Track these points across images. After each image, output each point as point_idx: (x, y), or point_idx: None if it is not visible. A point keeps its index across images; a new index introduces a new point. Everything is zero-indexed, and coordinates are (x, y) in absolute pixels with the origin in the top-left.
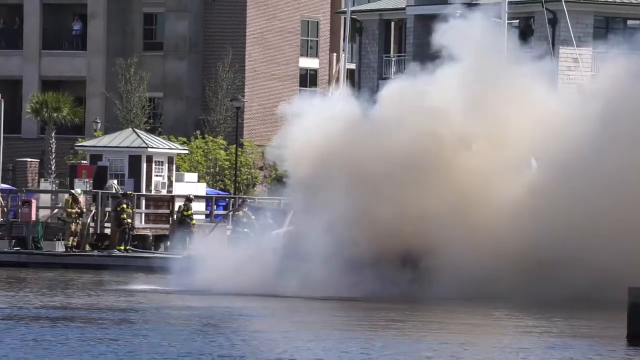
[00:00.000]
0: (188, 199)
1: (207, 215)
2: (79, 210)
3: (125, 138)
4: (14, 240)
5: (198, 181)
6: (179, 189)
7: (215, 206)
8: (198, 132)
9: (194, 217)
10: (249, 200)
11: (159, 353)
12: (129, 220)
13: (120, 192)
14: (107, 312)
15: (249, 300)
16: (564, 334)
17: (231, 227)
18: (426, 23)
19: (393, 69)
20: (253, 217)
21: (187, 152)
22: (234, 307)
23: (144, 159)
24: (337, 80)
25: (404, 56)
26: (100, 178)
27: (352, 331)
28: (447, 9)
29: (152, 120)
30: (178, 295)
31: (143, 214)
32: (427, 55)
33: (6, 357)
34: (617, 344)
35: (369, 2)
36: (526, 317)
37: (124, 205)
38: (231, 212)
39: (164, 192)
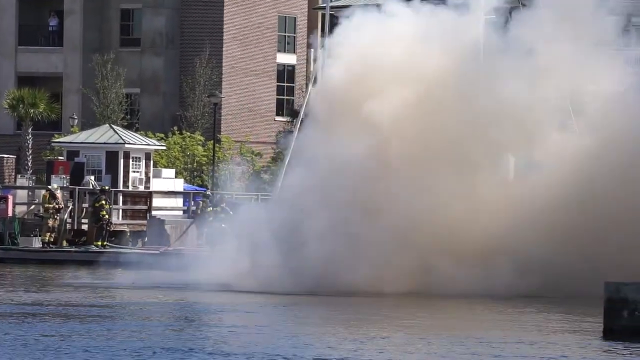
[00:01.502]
0: (102, 191)
1: (184, 211)
2: (56, 206)
3: (102, 134)
4: None
5: (176, 177)
6: (156, 185)
7: (192, 202)
8: (175, 128)
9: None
10: (227, 196)
11: (132, 348)
12: (107, 216)
13: (98, 188)
14: (83, 308)
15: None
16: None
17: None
18: None
19: None
20: (231, 212)
21: (164, 148)
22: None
23: (121, 155)
24: (315, 76)
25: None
26: (77, 174)
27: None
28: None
29: (129, 117)
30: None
31: (120, 210)
32: None
33: None
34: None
35: None
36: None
37: (103, 202)
38: (208, 208)
39: (141, 188)
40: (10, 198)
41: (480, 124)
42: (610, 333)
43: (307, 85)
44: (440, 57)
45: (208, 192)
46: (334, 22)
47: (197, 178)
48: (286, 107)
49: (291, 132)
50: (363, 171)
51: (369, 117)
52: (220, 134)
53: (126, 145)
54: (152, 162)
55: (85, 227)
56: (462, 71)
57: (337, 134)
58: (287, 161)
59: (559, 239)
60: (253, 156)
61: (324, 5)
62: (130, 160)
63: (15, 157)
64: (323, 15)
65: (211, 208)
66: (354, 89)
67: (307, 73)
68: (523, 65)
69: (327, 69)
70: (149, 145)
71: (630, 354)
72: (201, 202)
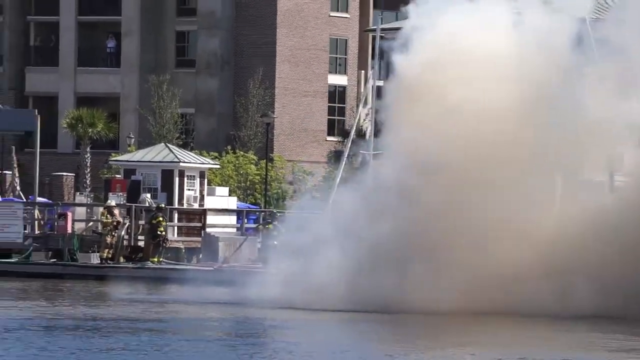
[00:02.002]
0: (158, 208)
1: (237, 229)
2: (114, 223)
3: (158, 153)
4: (50, 252)
5: (229, 195)
6: (210, 202)
7: (245, 220)
8: (229, 147)
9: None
10: (278, 214)
11: None
12: (164, 233)
13: (154, 205)
14: (138, 323)
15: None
16: None
17: (261, 240)
18: None
19: None
20: (283, 230)
21: (218, 166)
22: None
23: (176, 174)
24: (366, 97)
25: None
26: (133, 192)
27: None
28: None
29: (184, 136)
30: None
31: (175, 227)
32: None
33: None
34: None
35: (397, 19)
36: None
37: (160, 219)
38: (261, 225)
39: (195, 205)
40: (70, 215)
41: (566, 136)
42: None
43: (357, 105)
44: (537, 55)
45: (278, 215)
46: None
47: (250, 196)
48: (337, 127)
49: (342, 151)
50: (451, 173)
51: (457, 107)
52: (272, 153)
53: (181, 164)
54: (206, 180)
55: (141, 243)
56: (561, 77)
57: (418, 124)
58: (337, 179)
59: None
60: (305, 175)
61: (375, 27)
62: (185, 178)
63: (74, 175)
64: (374, 38)
65: (267, 225)
66: (438, 75)
67: (357, 94)
68: (612, 73)
69: (403, 55)
70: (203, 164)
71: None
72: (263, 223)
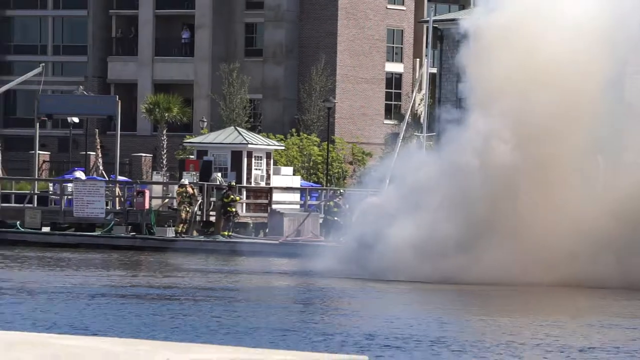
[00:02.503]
0: (229, 187)
1: (301, 205)
2: (188, 200)
3: (228, 135)
4: (130, 227)
5: (293, 174)
6: (276, 181)
7: (308, 197)
8: (294, 130)
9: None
10: (339, 192)
11: (250, 327)
12: (235, 210)
13: (225, 183)
14: (210, 291)
15: None
16: None
17: (322, 215)
18: None
19: None
20: (347, 205)
21: (283, 148)
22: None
23: (244, 154)
24: (420, 84)
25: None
26: (205, 171)
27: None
28: None
29: (252, 120)
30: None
31: (244, 204)
32: None
33: (99, 328)
34: None
35: (449, 11)
36: None
37: (232, 196)
38: (323, 203)
39: (262, 184)
40: (147, 192)
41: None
42: None
43: (412, 91)
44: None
45: (339, 192)
46: (437, 34)
47: (313, 175)
48: (394, 111)
49: (397, 134)
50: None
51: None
52: (334, 135)
53: (249, 146)
54: (272, 160)
55: (213, 218)
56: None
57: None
58: (394, 159)
59: None
60: (364, 155)
61: (428, 19)
62: (253, 159)
63: (151, 155)
64: (427, 28)
65: (331, 202)
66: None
67: (412, 80)
68: None
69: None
70: (269, 145)
71: None
72: (331, 201)
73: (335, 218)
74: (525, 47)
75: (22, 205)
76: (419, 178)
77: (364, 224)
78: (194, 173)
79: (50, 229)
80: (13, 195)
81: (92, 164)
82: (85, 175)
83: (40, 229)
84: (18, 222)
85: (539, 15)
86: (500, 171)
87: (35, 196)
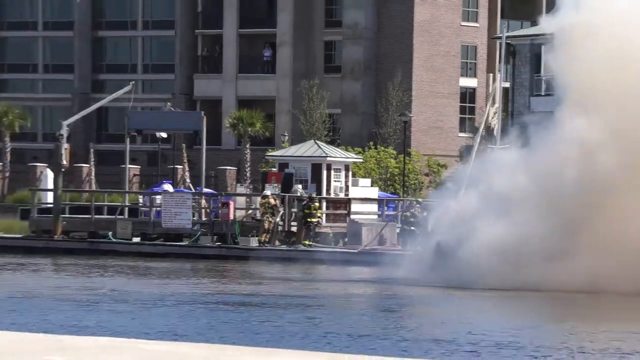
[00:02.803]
0: (310, 198)
1: (379, 215)
2: (270, 211)
3: (308, 149)
4: (215, 237)
5: (371, 186)
6: (354, 192)
7: (386, 207)
8: (371, 143)
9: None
10: (416, 202)
11: (329, 332)
12: (315, 220)
13: (305, 195)
14: (291, 299)
15: None
16: None
17: (399, 225)
18: None
19: (543, 86)
20: (425, 213)
21: (361, 160)
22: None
23: (324, 167)
24: (494, 97)
25: (553, 75)
26: (287, 183)
27: None
28: None
29: (331, 133)
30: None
31: (324, 214)
32: None
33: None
34: None
35: (521, 27)
36: None
37: (312, 207)
38: (400, 213)
39: (341, 195)
40: (232, 204)
41: None
42: None
43: (486, 105)
44: None
45: (416, 203)
46: (510, 50)
47: (390, 187)
48: (468, 124)
49: (472, 146)
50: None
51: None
52: (410, 148)
53: (328, 159)
54: (350, 172)
55: (294, 229)
56: None
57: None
58: (469, 170)
59: None
60: (439, 167)
61: (501, 35)
62: (332, 171)
63: (235, 168)
64: (500, 44)
65: (408, 212)
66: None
67: (486, 94)
68: None
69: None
70: (348, 158)
71: None
72: (408, 211)
73: (412, 228)
74: (616, 50)
75: (113, 216)
76: (506, 184)
77: (440, 232)
78: (276, 185)
79: (140, 239)
80: (105, 207)
81: (179, 177)
82: (173, 188)
83: (131, 240)
84: (110, 233)
85: (627, 16)
86: (595, 178)
87: (126, 208)
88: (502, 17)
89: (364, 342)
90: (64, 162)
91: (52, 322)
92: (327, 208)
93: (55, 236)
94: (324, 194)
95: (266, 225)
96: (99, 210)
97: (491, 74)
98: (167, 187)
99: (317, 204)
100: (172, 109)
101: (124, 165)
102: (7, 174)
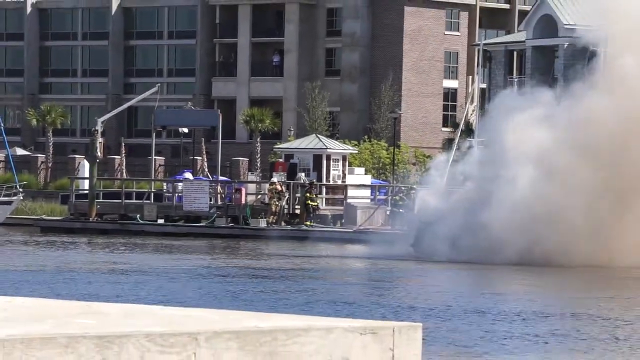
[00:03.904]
0: (311, 184)
1: (371, 199)
2: (277, 195)
3: (310, 142)
4: (229, 219)
5: (365, 174)
6: (350, 179)
7: (377, 192)
8: (366, 136)
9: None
10: (404, 188)
11: (329, 300)
12: (314, 204)
13: (308, 182)
14: (294, 272)
15: None
16: None
17: (389, 208)
18: (541, 52)
19: (515, 87)
20: (412, 194)
21: (357, 152)
22: None
23: (324, 157)
24: (472, 97)
25: (524, 77)
26: (292, 172)
27: None
28: (558, 40)
29: (331, 128)
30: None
31: (324, 199)
32: (540, 78)
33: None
34: None
35: (497, 36)
36: None
37: (308, 194)
38: (390, 197)
39: (339, 182)
40: (244, 190)
41: None
42: None
43: (466, 103)
44: None
45: (404, 189)
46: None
47: (382, 174)
48: (450, 120)
49: (453, 139)
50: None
51: None
52: (399, 141)
53: (328, 150)
54: (347, 162)
55: (297, 211)
56: None
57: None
58: (450, 160)
59: None
60: (424, 158)
61: (479, 42)
62: (331, 161)
63: (247, 159)
64: (478, 51)
65: (397, 197)
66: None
67: (465, 94)
68: None
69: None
70: (345, 150)
71: None
72: (397, 195)
73: (400, 210)
74: None
75: (141, 201)
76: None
77: (426, 211)
78: (282, 173)
79: (164, 221)
80: (134, 193)
81: (198, 166)
82: (193, 176)
83: (156, 221)
84: (138, 215)
85: None
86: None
87: (152, 194)
88: (480, 26)
89: (352, 309)
90: (99, 154)
91: (87, 291)
92: (327, 193)
93: (91, 218)
94: (324, 181)
95: (273, 208)
96: (128, 196)
97: (470, 76)
98: (188, 175)
99: (313, 195)
100: (193, 107)
101: (150, 157)
102: (50, 165)
